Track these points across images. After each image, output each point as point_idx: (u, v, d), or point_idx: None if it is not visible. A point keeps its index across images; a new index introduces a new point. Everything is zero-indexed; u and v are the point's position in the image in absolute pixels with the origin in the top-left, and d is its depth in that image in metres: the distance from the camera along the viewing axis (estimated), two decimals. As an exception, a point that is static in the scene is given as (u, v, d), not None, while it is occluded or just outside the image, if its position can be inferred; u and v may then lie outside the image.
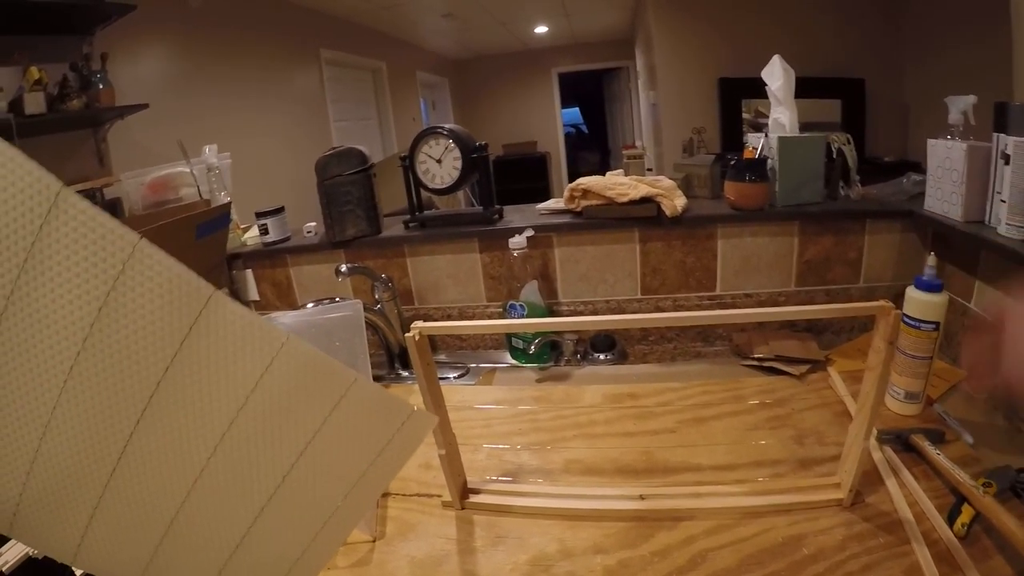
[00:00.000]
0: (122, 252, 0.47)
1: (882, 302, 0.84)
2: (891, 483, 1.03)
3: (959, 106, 1.34)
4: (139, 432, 0.55)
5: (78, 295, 0.48)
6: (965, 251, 1.42)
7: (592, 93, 11.20)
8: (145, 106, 3.17)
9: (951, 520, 0.93)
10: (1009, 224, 1.20)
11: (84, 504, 0.59)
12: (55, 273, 0.47)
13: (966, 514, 0.92)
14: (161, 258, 0.48)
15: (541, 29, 8.16)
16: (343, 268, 1.58)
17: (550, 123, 10.00)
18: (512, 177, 9.11)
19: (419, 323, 0.93)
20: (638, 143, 7.64)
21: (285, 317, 1.31)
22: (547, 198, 1.90)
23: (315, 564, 0.67)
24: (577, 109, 11.96)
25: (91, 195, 2.68)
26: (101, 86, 2.99)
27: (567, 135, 10.60)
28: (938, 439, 1.12)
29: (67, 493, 0.59)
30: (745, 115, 4.62)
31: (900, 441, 1.13)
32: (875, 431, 1.14)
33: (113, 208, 2.58)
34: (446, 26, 7.26)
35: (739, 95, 4.58)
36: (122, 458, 0.56)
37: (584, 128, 12.25)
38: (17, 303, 0.49)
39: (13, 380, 0.53)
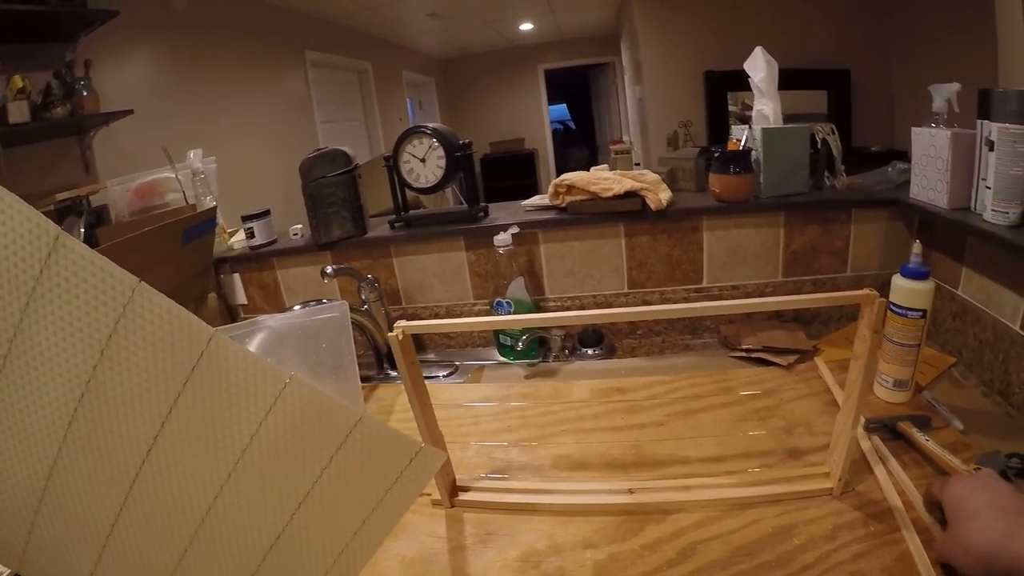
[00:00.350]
0: (122, 295, 0.48)
1: (866, 291, 0.84)
2: (879, 471, 1.03)
3: (943, 94, 1.34)
4: (144, 474, 0.56)
5: (80, 338, 0.49)
6: (951, 238, 1.42)
7: (579, 89, 11.19)
8: (130, 112, 3.16)
9: (942, 507, 0.92)
10: (994, 210, 1.20)
11: (90, 548, 0.60)
12: (57, 317, 0.48)
13: (956, 501, 0.92)
14: (161, 300, 0.48)
15: (527, 26, 8.15)
16: (328, 270, 1.57)
17: (537, 120, 9.99)
18: (500, 175, 9.11)
19: (402, 322, 0.92)
20: (625, 138, 7.64)
21: (272, 320, 1.30)
22: (535, 195, 1.89)
23: None
24: (564, 105, 11.95)
25: (77, 203, 2.67)
26: (85, 93, 2.97)
27: (555, 132, 10.60)
28: (925, 425, 1.13)
29: (73, 537, 0.59)
30: (732, 107, 4.63)
31: (888, 429, 1.13)
32: (862, 420, 1.14)
33: (100, 215, 2.57)
34: (432, 25, 7.25)
35: (725, 88, 4.59)
36: (127, 501, 0.57)
37: (571, 124, 12.25)
38: (20, 346, 0.50)
39: (18, 423, 0.54)
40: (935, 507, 0.87)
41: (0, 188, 0.45)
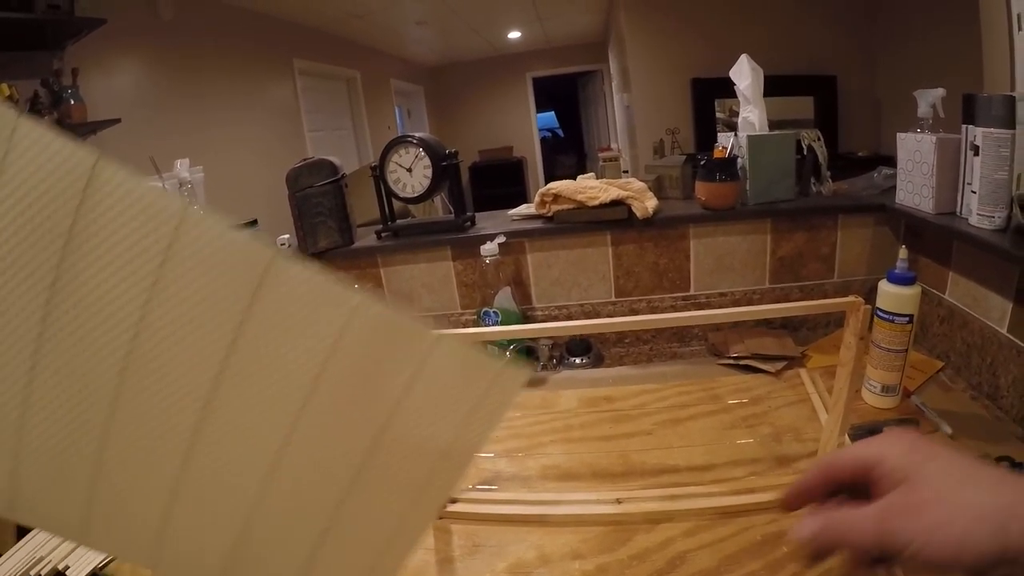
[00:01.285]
0: (169, 224, 0.43)
1: (851, 298, 0.84)
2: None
3: (928, 99, 1.35)
4: (207, 419, 0.50)
5: (126, 276, 0.44)
6: (938, 243, 1.43)
7: (567, 97, 11.21)
8: (117, 121, 3.14)
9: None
10: (980, 214, 1.21)
11: (157, 503, 0.54)
12: (99, 255, 0.43)
13: (945, 505, 0.92)
14: (212, 224, 0.43)
15: (515, 35, 8.17)
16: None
17: (526, 128, 10.00)
18: (488, 183, 9.11)
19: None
20: (614, 146, 7.66)
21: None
22: (524, 203, 1.89)
23: (403, 549, 0.59)
24: (552, 113, 11.97)
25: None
26: (72, 102, 2.96)
27: (543, 139, 10.60)
28: (912, 429, 1.13)
29: (138, 492, 0.54)
30: (719, 114, 4.64)
31: (873, 435, 1.13)
32: (851, 426, 1.14)
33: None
34: (420, 34, 7.25)
35: (712, 95, 4.60)
36: (192, 450, 0.51)
37: (560, 132, 12.27)
38: (62, 293, 0.45)
39: (66, 379, 0.48)
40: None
41: (28, 119, 0.41)
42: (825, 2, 4.37)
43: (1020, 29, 1.45)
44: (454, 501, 1.07)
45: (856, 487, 0.55)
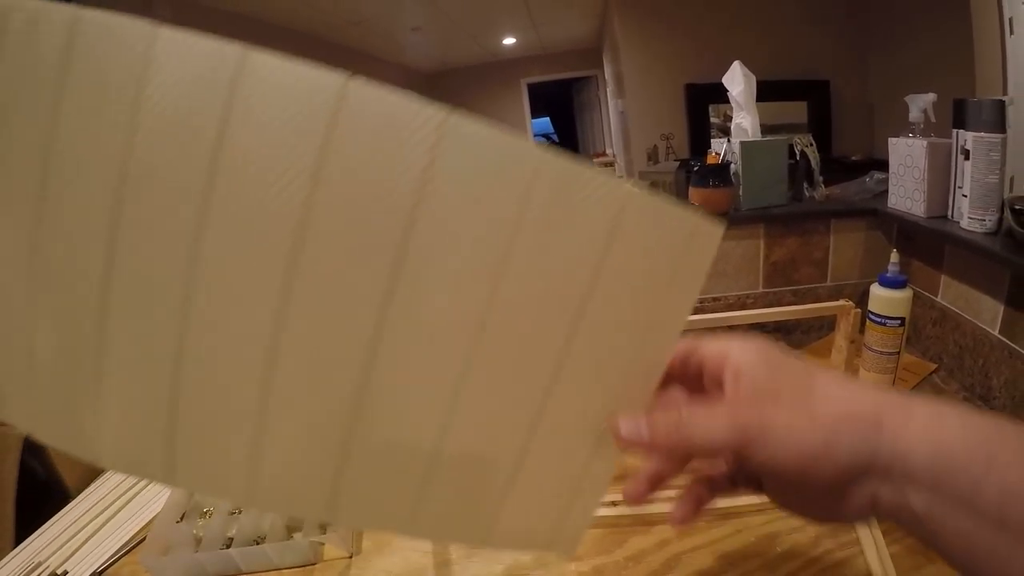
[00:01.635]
0: (432, 131, 0.42)
1: (841, 302, 0.85)
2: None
3: (919, 104, 1.36)
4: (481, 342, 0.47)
5: (388, 204, 0.43)
6: (930, 246, 1.44)
7: (562, 102, 11.19)
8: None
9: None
10: (971, 218, 1.22)
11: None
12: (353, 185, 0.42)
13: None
14: (477, 128, 0.42)
15: (510, 40, 8.17)
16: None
17: (521, 133, 10.00)
18: (485, 189, 9.11)
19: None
20: (609, 151, 7.66)
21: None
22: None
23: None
24: (548, 119, 11.97)
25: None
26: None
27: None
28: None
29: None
30: (714, 119, 4.64)
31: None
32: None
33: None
34: (416, 40, 7.26)
35: (706, 100, 4.61)
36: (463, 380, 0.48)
37: (555, 137, 12.25)
38: (313, 234, 0.43)
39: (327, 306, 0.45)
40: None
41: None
42: (817, 7, 4.38)
43: (1012, 33, 1.46)
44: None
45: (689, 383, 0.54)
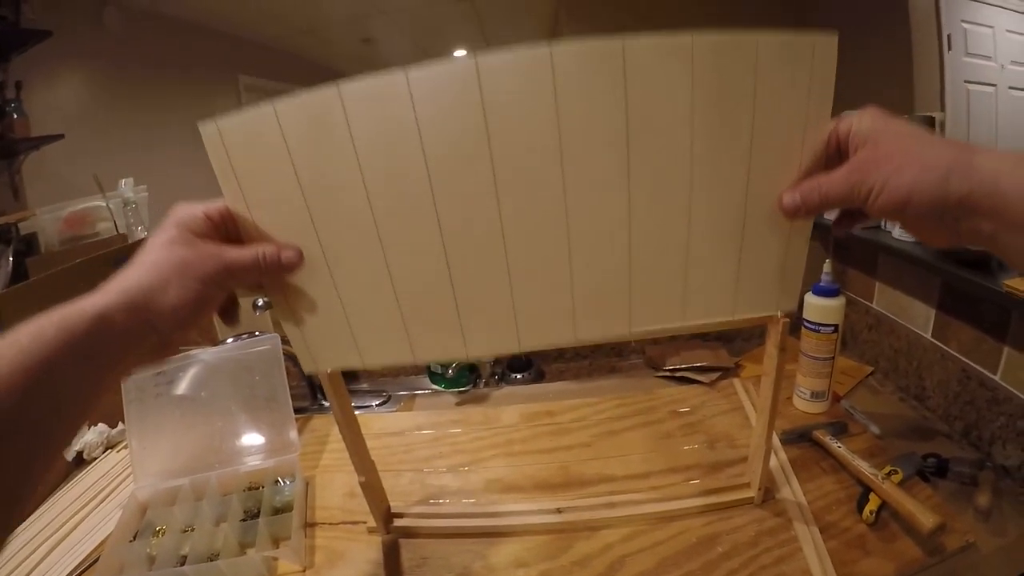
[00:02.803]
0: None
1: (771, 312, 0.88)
2: (794, 481, 1.08)
3: (854, 118, 1.40)
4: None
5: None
6: (864, 256, 1.49)
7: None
8: (60, 136, 3.08)
9: (860, 508, 0.99)
10: (903, 229, 1.26)
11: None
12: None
13: (873, 502, 0.98)
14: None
15: (460, 53, 8.14)
16: (260, 302, 1.55)
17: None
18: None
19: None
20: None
21: (205, 354, 1.30)
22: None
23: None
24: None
25: (6, 230, 2.61)
26: (16, 116, 2.90)
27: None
28: (840, 431, 1.19)
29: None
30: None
31: (804, 438, 1.19)
32: (781, 431, 1.19)
33: (29, 243, 2.51)
34: (365, 51, 7.20)
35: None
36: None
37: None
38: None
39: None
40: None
41: None
42: (758, 19, 4.43)
43: (950, 49, 1.50)
44: (400, 517, 1.10)
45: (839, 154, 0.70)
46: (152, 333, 0.60)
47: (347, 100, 0.67)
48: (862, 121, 0.65)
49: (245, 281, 0.72)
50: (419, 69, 0.65)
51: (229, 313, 0.73)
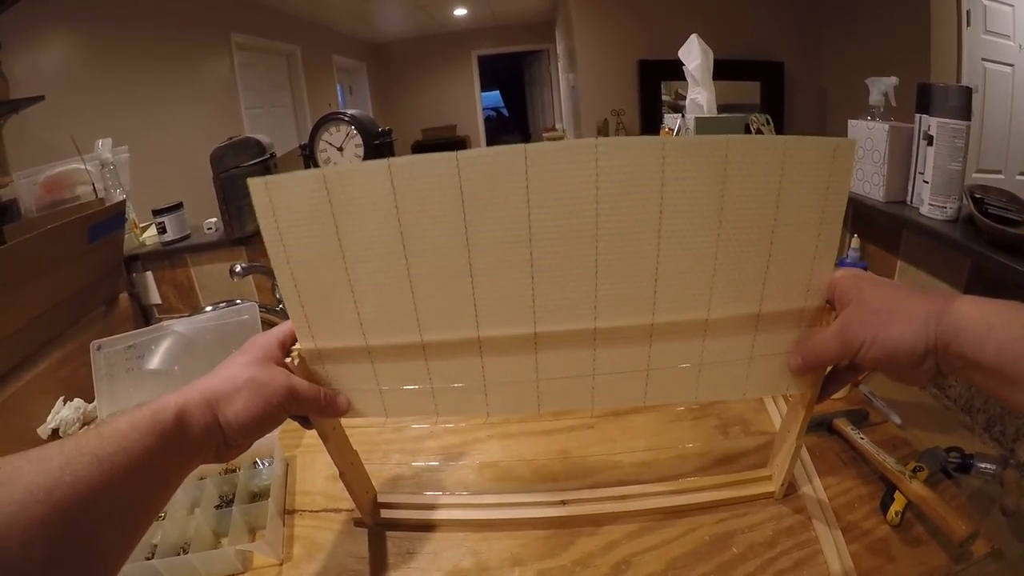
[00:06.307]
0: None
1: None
2: (815, 475, 1.01)
3: (880, 87, 1.34)
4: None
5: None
6: (887, 231, 1.42)
7: (513, 76, 11.14)
8: (41, 98, 2.99)
9: (884, 508, 0.91)
10: (932, 204, 1.21)
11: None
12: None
13: (899, 502, 0.91)
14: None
15: (461, 12, 8.07)
16: (238, 268, 1.47)
17: (470, 107, 9.91)
18: (431, 162, 9.06)
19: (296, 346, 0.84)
20: (558, 126, 7.65)
21: (180, 324, 1.22)
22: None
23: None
24: (498, 92, 11.90)
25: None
26: (-6, 77, 2.81)
27: (487, 118, 10.53)
28: (861, 420, 1.13)
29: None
30: (665, 97, 4.62)
31: (824, 427, 1.11)
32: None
33: (7, 210, 2.42)
34: (363, 8, 7.13)
35: (659, 77, 4.58)
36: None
37: (505, 111, 12.21)
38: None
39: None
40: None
41: None
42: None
43: (968, 24, 1.46)
44: (387, 507, 1.02)
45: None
46: (219, 432, 0.69)
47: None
48: (845, 280, 0.73)
49: (303, 411, 0.81)
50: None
51: (304, 421, 0.85)
